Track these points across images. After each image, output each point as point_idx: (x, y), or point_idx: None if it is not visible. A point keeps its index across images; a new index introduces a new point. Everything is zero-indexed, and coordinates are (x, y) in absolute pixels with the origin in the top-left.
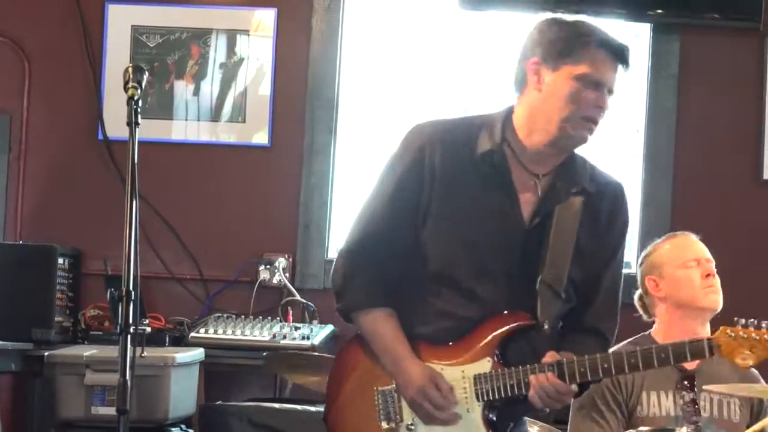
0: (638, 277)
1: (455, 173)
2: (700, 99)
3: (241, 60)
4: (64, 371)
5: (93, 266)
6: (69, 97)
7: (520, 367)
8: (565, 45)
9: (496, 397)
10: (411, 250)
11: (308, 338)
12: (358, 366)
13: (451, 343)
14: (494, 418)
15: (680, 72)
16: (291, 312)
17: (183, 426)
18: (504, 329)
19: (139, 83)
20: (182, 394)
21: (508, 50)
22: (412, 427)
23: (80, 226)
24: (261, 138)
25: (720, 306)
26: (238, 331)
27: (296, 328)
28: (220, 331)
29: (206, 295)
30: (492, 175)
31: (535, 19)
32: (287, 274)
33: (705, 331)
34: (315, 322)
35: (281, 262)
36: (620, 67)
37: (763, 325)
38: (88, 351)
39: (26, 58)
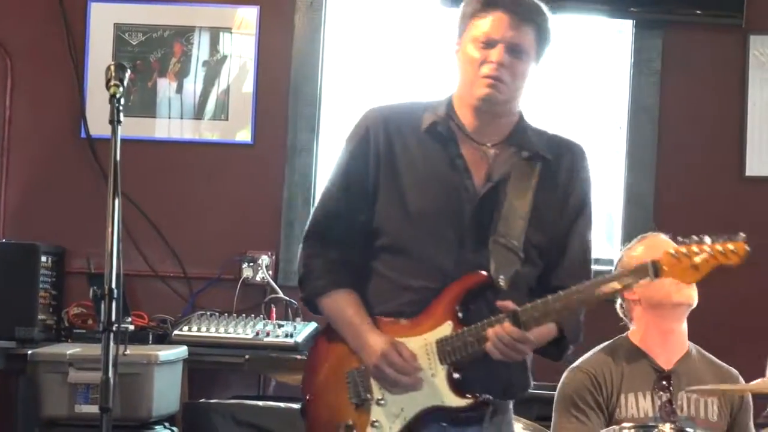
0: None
1: (400, 150)
2: (683, 95)
3: (224, 58)
4: (47, 369)
5: (76, 264)
6: (52, 95)
7: (479, 323)
8: (464, 17)
9: (458, 357)
10: (367, 228)
11: (291, 336)
12: (328, 355)
13: (413, 317)
14: (460, 378)
15: (663, 68)
16: (274, 309)
17: (166, 424)
18: (460, 290)
19: (121, 81)
20: (166, 392)
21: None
22: (382, 402)
23: (63, 224)
24: (244, 136)
25: (695, 300)
26: (222, 329)
27: (279, 326)
28: (204, 328)
29: (189, 293)
30: (438, 148)
31: None
32: (270, 272)
33: (682, 329)
34: (298, 319)
35: (264, 259)
36: (523, 22)
37: (706, 239)
38: (71, 349)
39: (8, 56)
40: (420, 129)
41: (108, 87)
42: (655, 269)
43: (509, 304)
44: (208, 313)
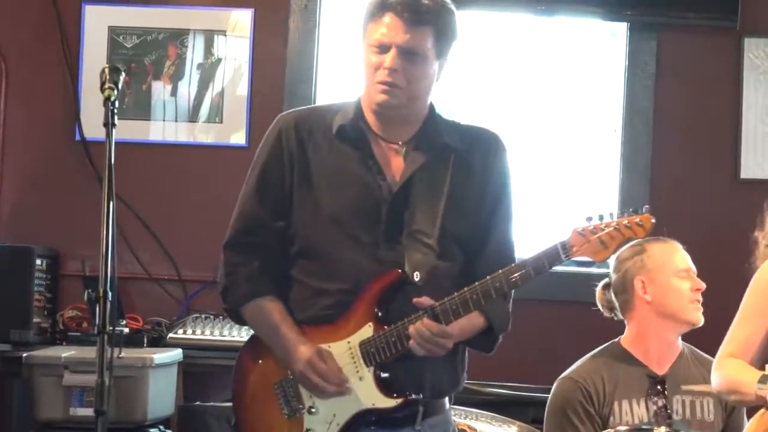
0: (617, 273)
1: (312, 153)
2: (678, 98)
3: (219, 60)
4: (42, 372)
5: (71, 267)
6: (46, 98)
7: (399, 322)
8: (363, 18)
9: (383, 357)
10: (284, 235)
11: None
12: (254, 367)
13: (334, 321)
14: (387, 377)
15: (657, 71)
16: None
17: (161, 427)
18: (377, 290)
19: (116, 84)
20: (160, 395)
21: (482, 49)
22: (314, 410)
23: (58, 227)
24: (238, 138)
25: (701, 323)
26: (217, 332)
27: None
28: (198, 331)
29: (184, 296)
30: (350, 150)
31: (511, 18)
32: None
33: (678, 343)
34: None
35: None
36: (416, 24)
37: (610, 215)
38: (66, 352)
39: (2, 58)
40: (331, 132)
41: (102, 90)
42: (564, 250)
43: (426, 300)
44: (203, 315)
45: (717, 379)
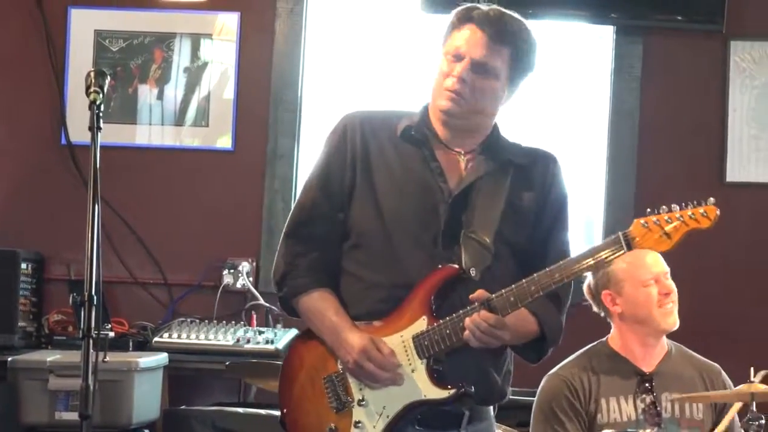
0: (590, 284)
1: (376, 151)
2: (664, 101)
3: (205, 64)
4: (27, 376)
5: (56, 271)
6: (32, 102)
7: (454, 314)
8: (446, 28)
9: (437, 349)
10: (342, 228)
11: (272, 342)
12: (303, 362)
13: (387, 315)
14: (440, 369)
15: (643, 74)
16: (255, 316)
17: (147, 431)
18: (433, 284)
19: (101, 88)
20: (146, 399)
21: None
22: (363, 403)
23: (43, 231)
24: (224, 142)
25: (676, 326)
26: (202, 336)
27: (260, 333)
28: (184, 335)
29: (170, 300)
30: (413, 151)
31: None
32: (251, 279)
33: (663, 343)
34: (279, 326)
35: (245, 266)
36: (493, 40)
37: (674, 207)
38: (51, 356)
39: None
40: (395, 134)
41: (88, 94)
42: (626, 241)
43: (482, 294)
44: (189, 319)
45: None
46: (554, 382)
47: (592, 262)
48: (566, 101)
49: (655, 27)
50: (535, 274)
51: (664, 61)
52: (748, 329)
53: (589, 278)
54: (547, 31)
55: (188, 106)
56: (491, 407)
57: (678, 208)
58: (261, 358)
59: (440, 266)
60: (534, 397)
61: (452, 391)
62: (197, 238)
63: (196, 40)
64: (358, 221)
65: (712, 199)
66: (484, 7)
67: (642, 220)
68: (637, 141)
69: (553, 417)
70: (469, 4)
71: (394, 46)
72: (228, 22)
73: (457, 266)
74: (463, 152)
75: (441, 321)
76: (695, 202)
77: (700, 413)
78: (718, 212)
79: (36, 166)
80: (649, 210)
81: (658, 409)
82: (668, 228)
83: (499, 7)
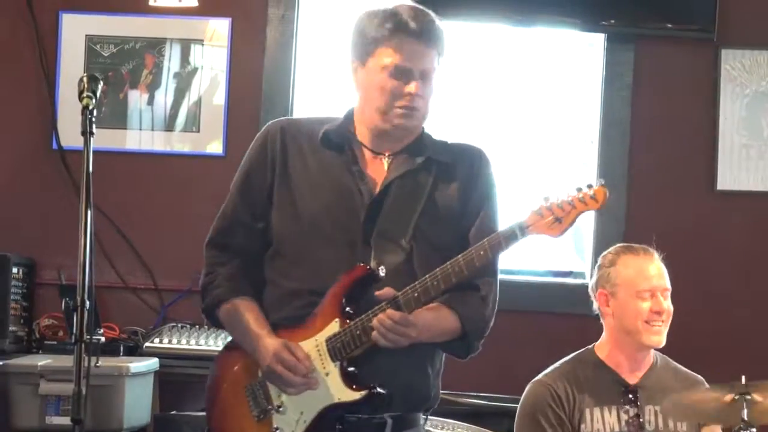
0: (593, 279)
1: (295, 157)
2: (655, 109)
3: (196, 69)
4: (18, 381)
5: (47, 276)
6: (23, 107)
7: (363, 315)
8: (368, 38)
9: (348, 351)
10: (264, 237)
11: None
12: (226, 374)
13: (305, 321)
14: (354, 371)
15: (634, 82)
16: None
17: None
18: (343, 286)
19: (94, 93)
20: (137, 404)
21: (460, 60)
22: (282, 409)
23: (34, 236)
24: (215, 148)
25: (662, 344)
26: (193, 341)
27: None
28: (175, 340)
29: (161, 305)
30: (334, 156)
31: (489, 29)
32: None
33: (649, 355)
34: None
35: None
36: (430, 47)
37: (568, 192)
38: (42, 361)
39: None
40: (316, 138)
41: (81, 98)
42: (521, 228)
43: (388, 291)
44: (179, 325)
45: None
46: (538, 389)
47: (489, 250)
48: (557, 109)
49: (646, 35)
50: (437, 269)
51: (655, 69)
52: (739, 338)
53: (594, 274)
54: (538, 39)
55: (179, 111)
56: (419, 414)
57: (572, 193)
58: None
59: (350, 270)
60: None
61: (363, 393)
62: (188, 243)
63: (187, 45)
64: (277, 229)
65: (601, 180)
66: (401, 9)
67: (536, 208)
68: (628, 149)
69: (537, 425)
70: (386, 9)
71: None
72: (219, 28)
73: (363, 266)
74: (386, 154)
75: (351, 322)
76: (587, 185)
77: (683, 426)
78: (607, 193)
79: (27, 171)
80: (545, 197)
81: (641, 421)
82: (557, 211)
83: (411, 4)
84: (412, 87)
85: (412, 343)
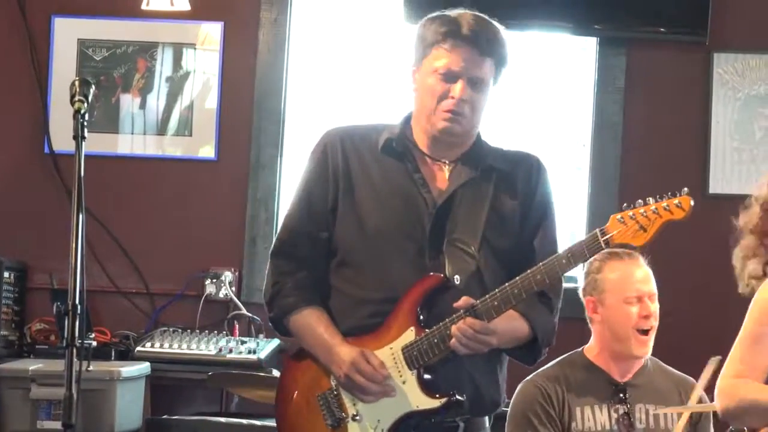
0: (581, 285)
1: (357, 167)
2: (647, 113)
3: (188, 73)
4: (9, 385)
5: (39, 280)
6: (15, 111)
7: (440, 323)
8: (425, 41)
9: (426, 360)
10: (328, 247)
11: (254, 352)
12: (297, 382)
13: (376, 330)
14: (431, 379)
15: (627, 86)
16: (237, 326)
17: None
18: (418, 295)
19: (86, 97)
20: (128, 408)
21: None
22: (358, 418)
23: (26, 240)
24: (207, 152)
25: (648, 355)
26: (184, 345)
27: (242, 342)
28: (166, 345)
29: (152, 309)
30: (395, 164)
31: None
32: (233, 288)
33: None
34: (261, 336)
35: (227, 276)
36: (484, 55)
37: (649, 200)
38: (33, 365)
39: None
40: (377, 148)
41: (72, 102)
42: (604, 236)
43: (466, 300)
44: (171, 329)
45: (730, 401)
46: (528, 388)
47: (572, 259)
48: (549, 113)
49: (638, 39)
50: (517, 278)
51: (648, 73)
52: (730, 342)
53: (582, 281)
54: (530, 43)
55: (171, 115)
56: (486, 418)
57: (653, 200)
58: (243, 368)
59: (423, 278)
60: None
61: (443, 400)
62: (180, 247)
63: (179, 49)
64: (342, 238)
65: (686, 189)
66: (460, 16)
67: (618, 216)
68: (620, 153)
69: (528, 423)
70: (445, 15)
71: (378, 57)
72: (211, 32)
73: (440, 275)
74: (447, 162)
75: (428, 331)
76: (669, 194)
77: (676, 423)
78: (692, 202)
79: (19, 175)
80: (625, 205)
81: (632, 419)
82: (641, 220)
83: (474, 13)
84: (457, 90)
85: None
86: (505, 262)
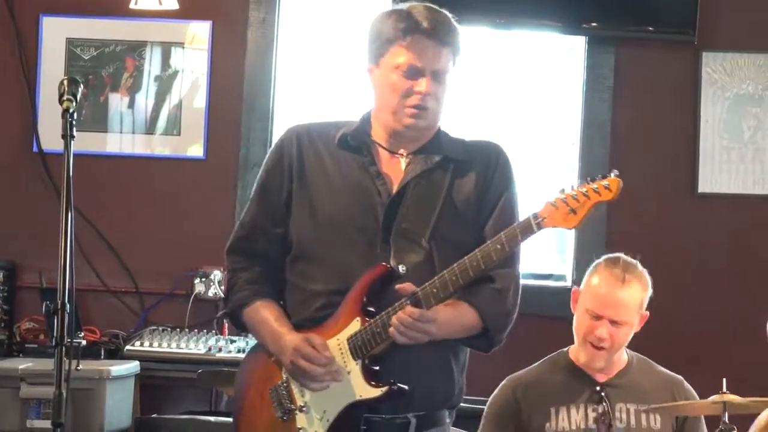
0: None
1: (313, 161)
2: (636, 112)
3: (176, 72)
4: None
5: (28, 279)
6: (3, 110)
7: (383, 312)
8: (382, 38)
9: (369, 349)
10: (284, 242)
11: (244, 351)
12: (252, 377)
13: (325, 321)
14: (376, 369)
15: (615, 85)
16: (226, 325)
17: None
18: (363, 285)
19: (75, 96)
20: (118, 407)
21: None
22: (305, 408)
23: (15, 239)
24: (196, 151)
25: (600, 369)
26: (174, 344)
27: (232, 341)
28: (156, 344)
29: (141, 308)
30: (351, 157)
31: (470, 32)
32: (223, 287)
33: (622, 355)
34: (250, 335)
35: (217, 275)
36: (444, 46)
37: (581, 182)
38: (23, 364)
39: None
40: (334, 141)
41: (61, 102)
42: (536, 219)
43: (408, 286)
44: (160, 328)
45: None
46: (502, 390)
47: (506, 243)
48: (538, 112)
49: (627, 38)
50: (454, 264)
51: (636, 72)
52: (720, 341)
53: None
54: (519, 42)
55: (159, 114)
56: (445, 413)
57: (584, 183)
58: (233, 366)
59: (370, 269)
60: None
61: (384, 389)
62: (169, 246)
63: (167, 48)
64: (297, 232)
65: (615, 171)
66: (415, 9)
67: (551, 200)
68: (608, 152)
69: (496, 420)
70: (399, 9)
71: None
72: (200, 31)
73: (384, 264)
74: (404, 154)
75: (371, 320)
76: (600, 176)
77: (657, 424)
78: (621, 184)
79: (7, 174)
80: (561, 189)
81: (611, 419)
82: (573, 204)
83: (424, 4)
84: (422, 86)
85: (432, 339)
86: (461, 252)
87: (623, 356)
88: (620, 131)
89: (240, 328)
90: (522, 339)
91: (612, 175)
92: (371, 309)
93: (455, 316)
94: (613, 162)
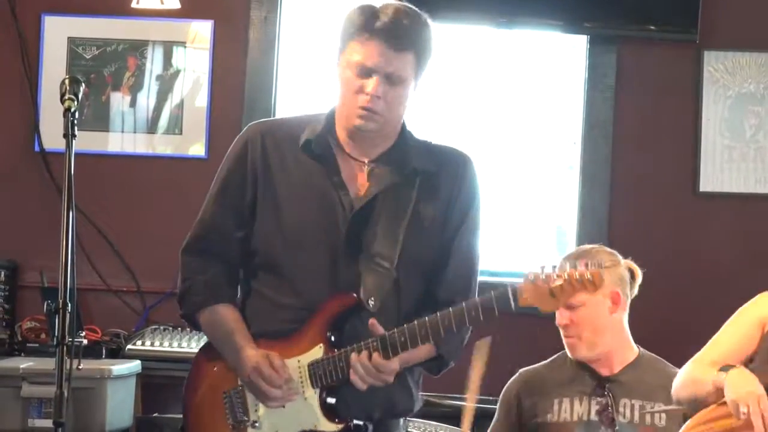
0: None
1: (277, 165)
2: (637, 111)
3: (178, 72)
4: (0, 383)
5: (29, 278)
6: (5, 109)
7: (348, 347)
8: (344, 32)
9: (329, 381)
10: (245, 246)
11: None
12: (207, 373)
13: (289, 336)
14: (333, 402)
15: (617, 84)
16: None
17: None
18: (331, 312)
19: (76, 95)
20: (119, 407)
21: (442, 62)
22: (257, 424)
23: (16, 238)
24: (197, 150)
25: (580, 358)
26: (175, 343)
27: None
28: (157, 343)
29: (143, 307)
30: (314, 165)
31: (471, 31)
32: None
33: (630, 350)
34: None
35: None
36: (401, 50)
37: (566, 266)
38: (24, 363)
39: None
40: (298, 145)
41: (62, 101)
42: (515, 296)
43: (379, 328)
44: (162, 327)
45: (678, 377)
46: (514, 379)
47: (481, 313)
48: (540, 111)
49: (628, 37)
50: (426, 319)
51: (638, 71)
52: None
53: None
54: (520, 41)
55: (161, 113)
56: (401, 420)
57: (567, 267)
58: None
59: (338, 294)
60: None
61: (340, 426)
62: (170, 245)
63: (169, 48)
64: (261, 240)
65: (602, 263)
66: (383, 7)
67: (531, 276)
68: (610, 150)
69: (501, 410)
70: (367, 5)
71: None
72: (201, 30)
73: (354, 296)
74: (367, 161)
75: (336, 352)
76: (587, 264)
77: (662, 421)
78: (603, 278)
79: (9, 173)
80: (542, 266)
81: (613, 413)
82: (554, 288)
83: (398, 3)
84: (370, 87)
85: None
86: (425, 271)
87: (634, 350)
88: (622, 130)
89: (197, 329)
90: (524, 338)
91: (596, 266)
92: (334, 339)
93: (412, 354)
94: (614, 161)
